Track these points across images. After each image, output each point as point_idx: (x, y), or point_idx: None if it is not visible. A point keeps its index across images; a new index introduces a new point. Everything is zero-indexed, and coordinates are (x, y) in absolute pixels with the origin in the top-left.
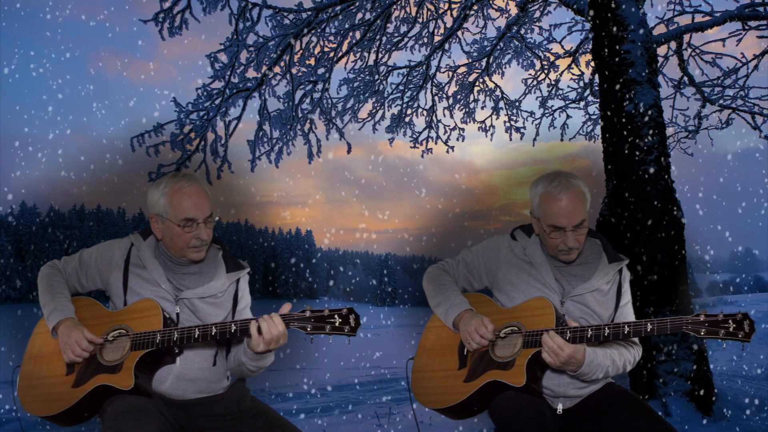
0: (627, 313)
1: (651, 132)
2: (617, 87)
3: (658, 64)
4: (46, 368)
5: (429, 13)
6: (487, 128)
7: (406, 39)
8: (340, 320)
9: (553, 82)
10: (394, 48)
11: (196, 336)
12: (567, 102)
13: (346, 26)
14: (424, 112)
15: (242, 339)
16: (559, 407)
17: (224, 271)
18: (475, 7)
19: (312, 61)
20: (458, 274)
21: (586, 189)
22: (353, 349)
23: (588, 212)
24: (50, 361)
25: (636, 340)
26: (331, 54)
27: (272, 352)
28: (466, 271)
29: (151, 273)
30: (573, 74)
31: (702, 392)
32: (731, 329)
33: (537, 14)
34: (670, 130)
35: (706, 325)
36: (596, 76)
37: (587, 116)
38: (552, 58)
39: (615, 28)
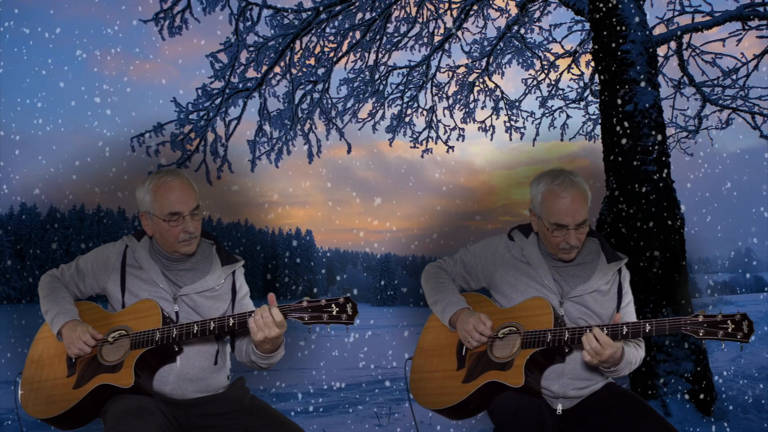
0: (629, 314)
1: (651, 132)
2: (617, 87)
3: (658, 64)
4: (47, 371)
5: (429, 13)
6: (487, 128)
7: (406, 39)
8: (337, 309)
9: (553, 82)
10: (394, 48)
11: (194, 332)
12: (567, 102)
13: (346, 26)
14: (424, 112)
15: (244, 332)
16: (559, 408)
17: (219, 265)
18: (475, 7)
19: (312, 61)
20: (456, 273)
21: (588, 188)
22: (353, 349)
23: (589, 211)
24: (51, 364)
25: (640, 340)
26: (331, 54)
27: (281, 349)
28: (464, 271)
29: (149, 273)
30: (573, 74)
31: (702, 392)
32: (730, 330)
33: (537, 14)
34: (670, 130)
35: (705, 326)
36: (596, 76)
37: (587, 116)
38: (552, 58)
39: (615, 28)
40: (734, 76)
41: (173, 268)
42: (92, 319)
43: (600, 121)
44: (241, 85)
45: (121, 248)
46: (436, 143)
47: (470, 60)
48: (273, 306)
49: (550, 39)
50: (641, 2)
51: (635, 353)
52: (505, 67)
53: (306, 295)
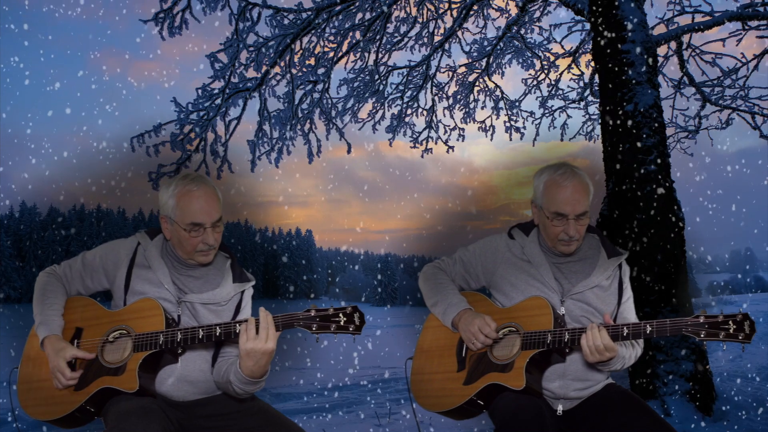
0: (629, 310)
1: (651, 132)
2: (617, 87)
3: (658, 64)
4: (45, 371)
5: (429, 13)
6: (487, 128)
7: (406, 39)
8: (344, 319)
9: (553, 82)
10: (394, 48)
11: (200, 336)
12: (567, 102)
13: (346, 26)
14: (424, 112)
15: (231, 351)
16: (559, 408)
17: (230, 281)
18: (475, 7)
19: (312, 61)
20: (455, 273)
21: (590, 182)
22: (353, 349)
23: (590, 207)
24: (48, 363)
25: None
26: (331, 54)
27: (263, 380)
28: (463, 270)
29: (156, 273)
30: (573, 74)
31: (702, 392)
32: (731, 330)
33: (537, 14)
34: (670, 130)
35: (706, 327)
36: (596, 76)
37: (587, 116)
38: (552, 58)
39: (615, 28)
40: (734, 76)
41: (183, 272)
42: (91, 316)
43: (600, 121)
44: (241, 85)
45: (133, 245)
46: (436, 143)
47: (470, 60)
48: (267, 314)
49: (550, 39)
50: (641, 2)
51: (630, 351)
52: (505, 67)
53: (305, 295)
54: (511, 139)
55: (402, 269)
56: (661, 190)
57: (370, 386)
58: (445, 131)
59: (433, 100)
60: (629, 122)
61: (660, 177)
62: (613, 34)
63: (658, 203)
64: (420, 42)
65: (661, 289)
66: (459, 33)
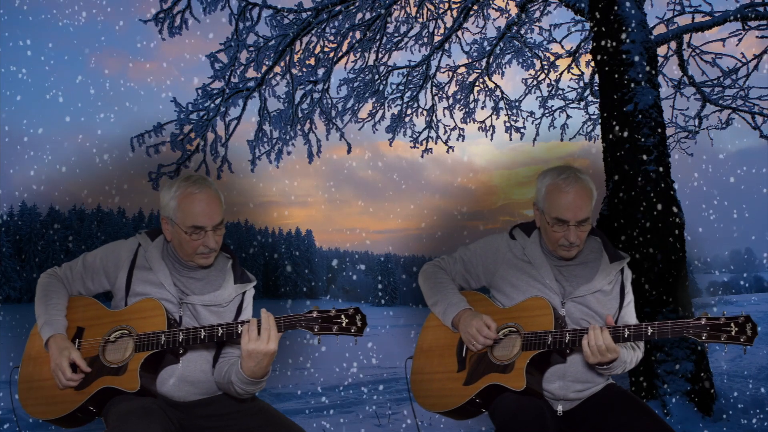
0: (630, 313)
1: (651, 132)
2: (617, 87)
3: (658, 64)
4: (46, 370)
5: (429, 13)
6: (487, 128)
7: (406, 39)
8: (347, 320)
9: (553, 82)
10: (394, 48)
11: (202, 337)
12: (567, 102)
13: (346, 26)
14: (424, 112)
15: (233, 351)
16: (559, 409)
17: (232, 282)
18: (475, 7)
19: (312, 61)
20: (455, 272)
21: (594, 187)
22: (353, 349)
23: (592, 211)
24: (49, 363)
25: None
26: (331, 54)
27: (263, 380)
28: (464, 270)
29: (157, 275)
30: (573, 74)
31: (702, 392)
32: (733, 333)
33: (537, 14)
34: (670, 130)
35: (708, 329)
36: (596, 76)
37: (587, 116)
38: (552, 58)
39: (615, 28)
40: (734, 76)
41: (184, 274)
42: (93, 316)
43: (600, 121)
44: (241, 85)
45: (134, 246)
46: (436, 143)
47: (470, 60)
48: (269, 315)
49: (550, 39)
50: (641, 2)
51: (631, 354)
52: (505, 67)
53: (306, 295)
54: (511, 139)
55: (402, 269)
56: (661, 191)
57: (370, 386)
58: (445, 131)
59: (433, 100)
60: (629, 122)
61: (660, 177)
62: (613, 34)
63: (658, 203)
64: (420, 42)
65: (661, 290)
66: (459, 33)
